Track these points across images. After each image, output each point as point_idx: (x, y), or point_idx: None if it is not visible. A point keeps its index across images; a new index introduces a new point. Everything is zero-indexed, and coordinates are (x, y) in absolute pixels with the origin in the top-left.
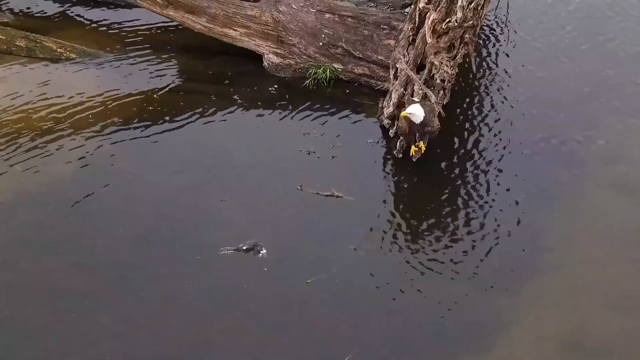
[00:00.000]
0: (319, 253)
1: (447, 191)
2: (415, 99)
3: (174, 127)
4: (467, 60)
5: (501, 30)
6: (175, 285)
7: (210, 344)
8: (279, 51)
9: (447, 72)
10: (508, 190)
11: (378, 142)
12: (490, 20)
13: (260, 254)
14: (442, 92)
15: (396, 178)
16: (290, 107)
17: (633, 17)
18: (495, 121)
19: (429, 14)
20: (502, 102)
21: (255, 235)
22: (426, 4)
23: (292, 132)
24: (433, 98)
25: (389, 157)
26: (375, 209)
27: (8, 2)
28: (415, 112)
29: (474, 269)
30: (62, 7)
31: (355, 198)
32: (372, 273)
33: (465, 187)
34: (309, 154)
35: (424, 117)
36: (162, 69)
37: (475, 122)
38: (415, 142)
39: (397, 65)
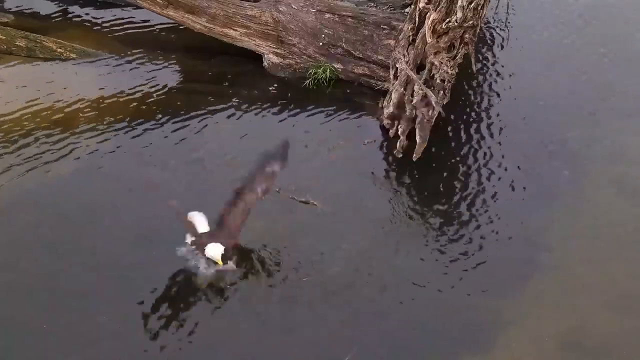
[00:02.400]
0: (319, 252)
1: (446, 191)
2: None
3: (174, 127)
4: (467, 60)
5: (501, 30)
6: (175, 284)
7: (210, 343)
8: (279, 51)
9: (447, 72)
10: (508, 190)
11: (375, 141)
12: (490, 20)
13: (227, 266)
14: (442, 92)
15: (396, 178)
16: (290, 107)
17: (634, 17)
18: (495, 121)
19: (429, 14)
20: (502, 102)
21: (254, 235)
22: (426, 4)
23: (292, 132)
24: (433, 98)
25: (389, 157)
26: (374, 209)
27: (8, 2)
28: (212, 253)
29: (473, 269)
30: (62, 7)
31: (330, 209)
32: (371, 273)
33: (464, 187)
34: (308, 154)
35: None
36: (162, 69)
37: (475, 122)
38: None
39: (397, 65)
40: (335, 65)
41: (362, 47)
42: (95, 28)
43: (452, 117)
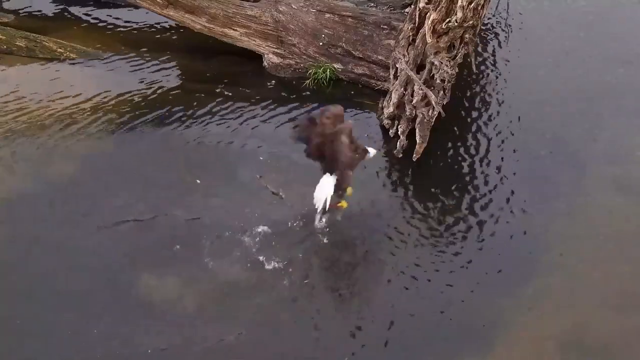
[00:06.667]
0: (319, 252)
1: (446, 191)
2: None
3: (174, 127)
4: (467, 60)
5: (501, 30)
6: (175, 285)
7: (210, 344)
8: (279, 51)
9: (447, 72)
10: (508, 190)
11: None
12: (490, 20)
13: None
14: (442, 92)
15: (396, 178)
16: (290, 107)
17: (635, 17)
18: (496, 121)
19: (429, 14)
20: (502, 102)
21: (255, 235)
22: (426, 4)
23: (291, 132)
24: (433, 98)
25: (388, 156)
26: (374, 208)
27: (8, 2)
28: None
29: (474, 269)
30: (62, 6)
31: (291, 204)
32: (372, 273)
33: (465, 187)
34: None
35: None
36: (161, 69)
37: (475, 122)
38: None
39: (397, 65)
40: (335, 65)
41: (362, 47)
42: (95, 28)
43: (452, 117)
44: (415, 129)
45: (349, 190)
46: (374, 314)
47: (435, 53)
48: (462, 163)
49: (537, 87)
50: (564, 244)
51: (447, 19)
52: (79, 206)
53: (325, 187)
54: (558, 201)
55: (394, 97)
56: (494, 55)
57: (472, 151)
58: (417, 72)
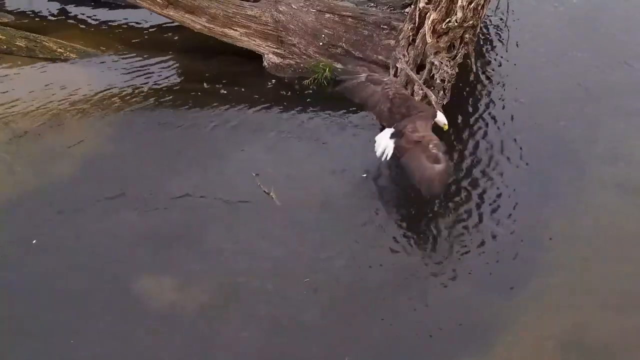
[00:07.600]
0: (320, 252)
1: (446, 191)
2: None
3: (173, 127)
4: (467, 60)
5: (501, 30)
6: (175, 285)
7: (210, 344)
8: (279, 51)
9: (447, 72)
10: (507, 190)
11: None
12: (490, 21)
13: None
14: (442, 92)
15: (395, 178)
16: (290, 107)
17: (635, 17)
18: (495, 121)
19: (429, 14)
20: (502, 103)
21: (258, 234)
22: (426, 4)
23: (291, 132)
24: (433, 98)
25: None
26: (374, 208)
27: (8, 2)
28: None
29: (473, 269)
30: (62, 7)
31: (282, 204)
32: (371, 273)
33: (464, 187)
34: (307, 154)
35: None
36: (161, 69)
37: (475, 122)
38: None
39: (397, 65)
40: (336, 65)
41: (362, 47)
42: (95, 28)
43: (451, 117)
44: None
45: None
46: (373, 315)
47: (435, 53)
48: (461, 163)
49: (537, 87)
50: (564, 244)
51: (447, 19)
52: (78, 206)
53: (385, 138)
54: (558, 201)
55: None
56: (494, 55)
57: (472, 151)
58: (417, 72)
